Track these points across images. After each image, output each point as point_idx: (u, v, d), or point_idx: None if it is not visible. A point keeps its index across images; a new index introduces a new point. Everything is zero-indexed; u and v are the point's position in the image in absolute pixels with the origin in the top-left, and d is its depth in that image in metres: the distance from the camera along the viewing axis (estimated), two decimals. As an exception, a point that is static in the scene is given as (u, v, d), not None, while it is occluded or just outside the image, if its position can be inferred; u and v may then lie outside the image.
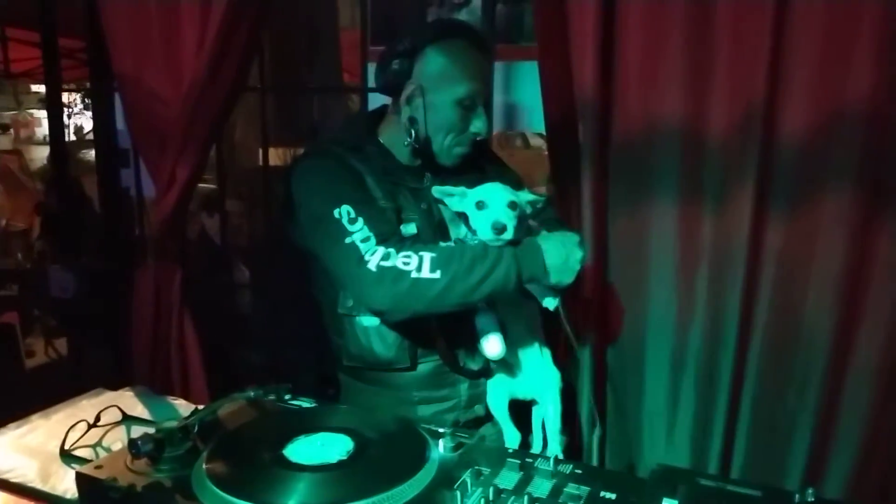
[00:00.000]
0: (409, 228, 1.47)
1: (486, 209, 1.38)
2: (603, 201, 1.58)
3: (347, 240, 1.35)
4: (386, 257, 1.33)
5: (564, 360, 1.62)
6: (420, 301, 1.33)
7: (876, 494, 1.41)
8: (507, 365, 1.54)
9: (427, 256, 1.32)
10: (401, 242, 1.37)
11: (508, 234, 1.35)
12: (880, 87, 1.30)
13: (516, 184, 1.53)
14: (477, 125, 1.50)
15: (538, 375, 1.53)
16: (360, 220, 1.36)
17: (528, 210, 1.45)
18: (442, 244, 1.43)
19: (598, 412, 1.64)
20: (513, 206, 1.38)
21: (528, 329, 1.53)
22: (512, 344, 1.49)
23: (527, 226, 1.47)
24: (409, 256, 1.32)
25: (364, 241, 1.35)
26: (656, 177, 1.53)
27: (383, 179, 1.50)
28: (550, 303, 1.41)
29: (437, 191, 1.44)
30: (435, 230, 1.51)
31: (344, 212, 1.37)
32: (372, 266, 1.32)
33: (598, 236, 1.59)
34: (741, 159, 1.43)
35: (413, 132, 1.49)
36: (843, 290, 1.38)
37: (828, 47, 1.32)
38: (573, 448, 1.60)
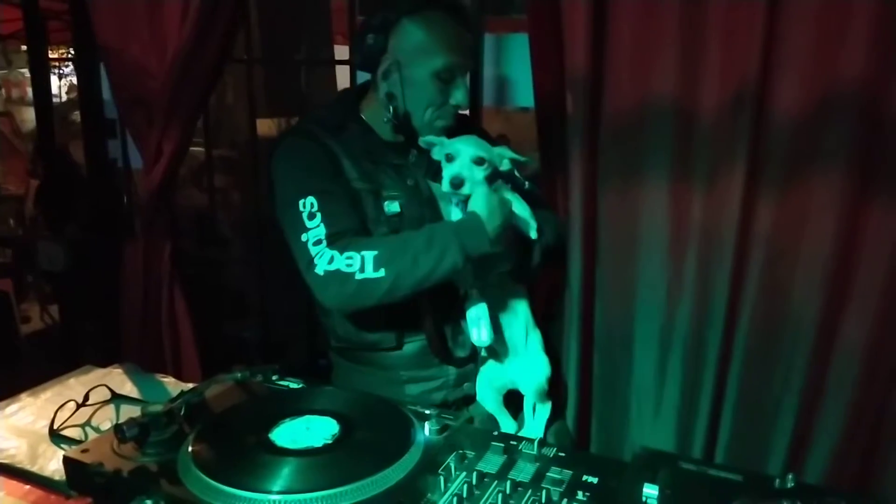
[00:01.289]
0: (392, 207, 1.48)
1: (453, 162, 1.42)
2: (592, 179, 1.57)
3: (303, 237, 1.37)
4: (331, 260, 1.34)
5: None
6: (369, 298, 1.35)
7: (855, 477, 1.43)
8: (495, 353, 1.55)
9: (369, 256, 1.33)
10: (352, 239, 1.37)
11: (466, 190, 1.39)
12: (873, 68, 1.28)
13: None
14: (457, 96, 1.49)
15: (524, 364, 1.54)
16: (319, 216, 1.37)
17: (507, 167, 1.47)
18: (388, 237, 1.42)
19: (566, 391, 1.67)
20: (479, 161, 1.41)
21: (513, 313, 1.53)
22: (499, 330, 1.50)
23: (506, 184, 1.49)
24: (351, 258, 1.33)
25: (316, 243, 1.36)
26: (646, 155, 1.52)
27: (364, 159, 1.49)
28: (531, 230, 1.49)
29: (422, 141, 1.47)
30: (423, 207, 1.50)
31: (308, 203, 1.39)
32: (319, 270, 1.35)
33: (587, 214, 1.58)
34: (732, 139, 1.41)
35: (392, 108, 1.48)
36: (832, 272, 1.37)
37: (821, 27, 1.30)
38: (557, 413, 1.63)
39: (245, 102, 2.79)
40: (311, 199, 1.39)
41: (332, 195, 1.41)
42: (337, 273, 1.34)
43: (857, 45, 1.28)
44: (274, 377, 1.32)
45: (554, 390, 1.60)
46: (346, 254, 1.34)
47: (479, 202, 1.37)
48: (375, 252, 1.33)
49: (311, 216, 1.38)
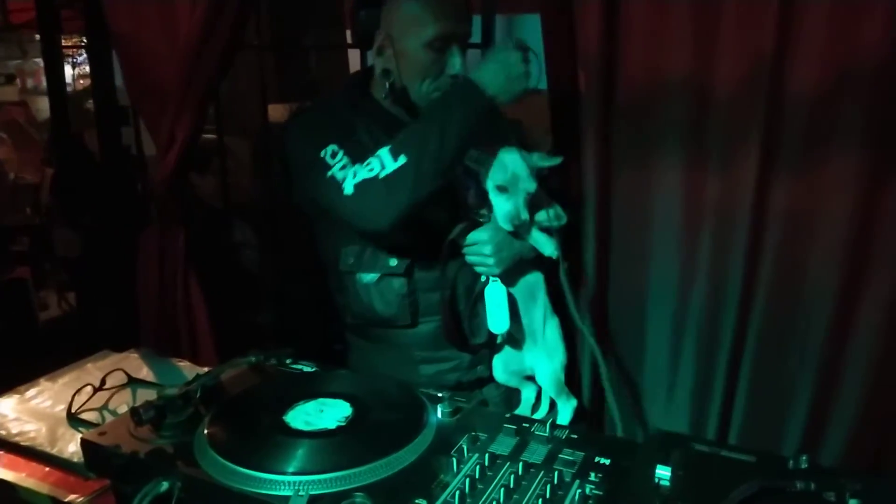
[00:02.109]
0: None
1: (508, 195, 1.39)
2: (606, 159, 1.56)
3: (328, 174, 1.37)
4: (355, 175, 1.34)
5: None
6: (402, 191, 1.32)
7: (870, 459, 1.42)
8: (512, 339, 1.55)
9: (384, 152, 1.33)
10: (364, 152, 1.37)
11: (524, 220, 1.40)
12: (889, 46, 1.26)
13: (518, 137, 1.52)
14: (454, 65, 1.45)
15: (541, 352, 1.53)
16: (341, 152, 1.38)
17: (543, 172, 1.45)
18: (404, 129, 1.39)
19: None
20: (531, 195, 1.40)
21: (532, 299, 1.52)
22: (517, 317, 1.50)
23: None
24: (370, 163, 1.33)
25: (342, 168, 1.36)
26: (660, 135, 1.51)
27: (375, 134, 1.48)
28: (548, 248, 1.43)
29: (469, 159, 1.40)
30: None
31: (329, 151, 1.39)
32: (348, 190, 1.34)
33: (601, 196, 1.58)
34: (747, 117, 1.40)
35: (387, 85, 1.47)
36: (848, 253, 1.36)
37: (837, 3, 1.28)
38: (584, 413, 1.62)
39: (255, 88, 2.79)
40: (331, 147, 1.40)
41: (351, 142, 1.42)
42: (363, 183, 1.33)
43: (874, 22, 1.26)
44: (288, 361, 1.33)
45: (572, 384, 1.59)
46: (366, 162, 1.34)
47: (492, 76, 1.35)
48: (388, 146, 1.34)
49: (334, 155, 1.39)
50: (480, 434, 1.07)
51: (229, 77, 2.13)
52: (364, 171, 1.33)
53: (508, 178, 1.38)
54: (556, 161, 1.45)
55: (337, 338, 2.36)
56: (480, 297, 1.48)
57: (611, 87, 1.53)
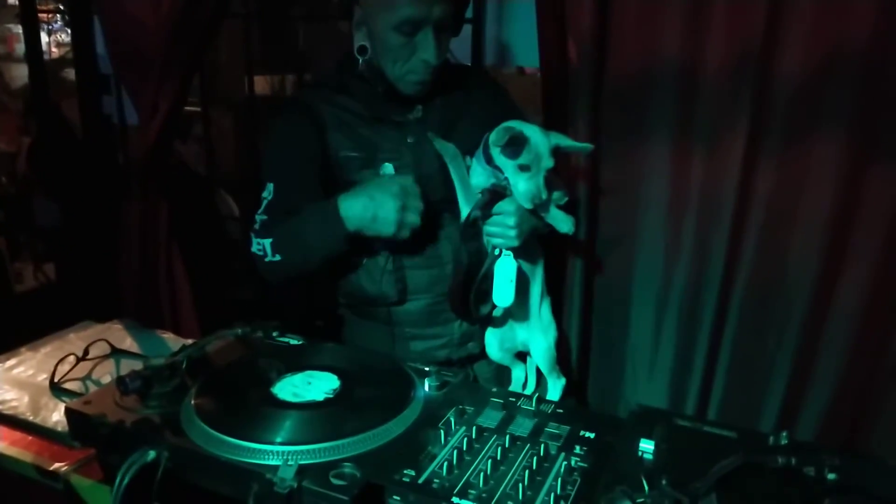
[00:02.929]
0: (387, 169, 1.47)
1: (530, 174, 1.38)
2: (595, 141, 1.56)
3: (255, 217, 1.50)
4: (252, 244, 1.49)
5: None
6: (278, 275, 1.50)
7: (844, 437, 1.46)
8: (508, 314, 1.55)
9: (267, 243, 1.45)
10: (272, 226, 1.46)
11: (544, 200, 1.40)
12: (877, 33, 1.27)
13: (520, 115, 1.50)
14: (423, 53, 1.39)
15: (535, 328, 1.54)
16: (265, 203, 1.48)
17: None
18: (289, 222, 1.44)
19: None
20: (550, 172, 1.39)
21: (533, 276, 1.53)
22: (519, 291, 1.50)
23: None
24: (260, 244, 1.46)
25: (254, 226, 1.49)
26: (648, 116, 1.51)
27: (363, 119, 1.48)
28: (565, 225, 1.44)
29: (494, 138, 1.36)
30: (423, 165, 1.47)
31: (267, 190, 1.49)
32: (251, 248, 1.49)
33: (590, 175, 1.58)
34: (734, 101, 1.41)
35: (362, 61, 1.45)
36: (829, 237, 1.38)
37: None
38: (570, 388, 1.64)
39: (241, 59, 2.75)
40: (270, 186, 1.49)
41: (290, 181, 1.49)
42: (254, 255, 1.49)
43: (862, 9, 1.27)
44: (275, 333, 1.32)
45: (563, 363, 1.60)
46: (257, 240, 1.47)
47: (358, 213, 1.38)
48: (271, 240, 1.45)
49: (263, 201, 1.49)
50: (468, 407, 1.08)
51: (215, 47, 2.09)
52: (256, 247, 1.47)
53: (532, 157, 1.37)
54: (586, 147, 1.46)
55: (319, 313, 2.36)
56: (490, 270, 1.47)
57: (600, 66, 1.53)
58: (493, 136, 1.36)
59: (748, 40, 1.36)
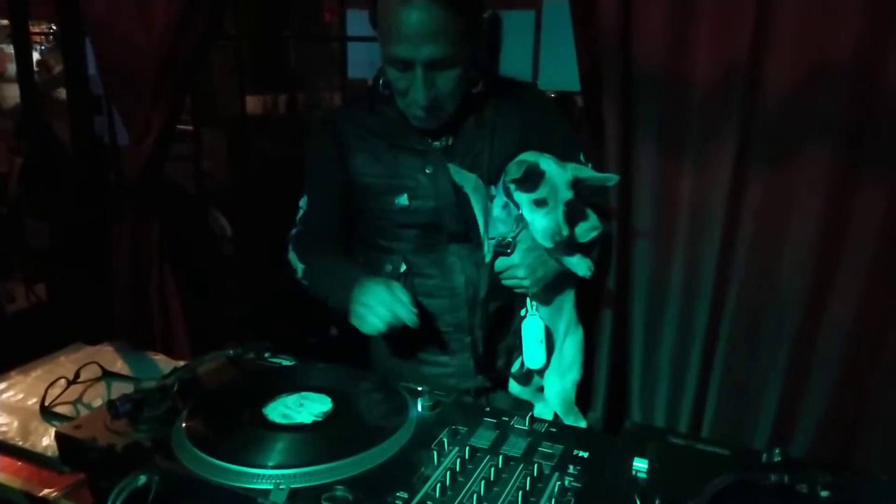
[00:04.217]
0: (401, 200, 1.45)
1: (547, 209, 1.33)
2: (627, 154, 1.55)
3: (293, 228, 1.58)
4: (287, 252, 1.56)
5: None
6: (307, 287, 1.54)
7: (838, 453, 1.46)
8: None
9: (300, 269, 1.52)
10: (307, 244, 1.54)
11: (565, 236, 1.34)
12: (864, 47, 1.28)
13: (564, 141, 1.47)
14: (413, 90, 1.34)
15: (554, 367, 1.48)
16: (301, 213, 1.56)
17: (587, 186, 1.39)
18: (327, 259, 1.50)
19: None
20: (569, 203, 1.34)
21: (558, 310, 1.48)
22: (551, 349, 1.46)
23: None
24: (293, 261, 1.54)
25: (290, 237, 1.56)
26: (637, 130, 1.52)
27: (385, 144, 1.46)
28: (581, 268, 1.38)
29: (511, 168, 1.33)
30: (440, 197, 1.44)
31: (303, 202, 1.56)
32: (287, 255, 1.56)
33: (624, 189, 1.57)
34: (723, 114, 1.42)
35: (382, 86, 1.44)
36: (819, 251, 1.39)
37: (813, 4, 1.30)
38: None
39: (232, 79, 2.76)
40: (304, 200, 1.56)
41: (322, 195, 1.55)
42: (288, 263, 1.55)
43: (848, 23, 1.28)
44: (266, 354, 1.32)
45: (583, 399, 1.55)
46: (293, 254, 1.54)
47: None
48: (304, 267, 1.52)
49: (300, 210, 1.56)
50: (460, 428, 1.08)
51: (207, 67, 2.10)
52: (290, 256, 1.55)
53: (547, 190, 1.32)
54: (609, 179, 1.39)
55: (312, 332, 2.35)
56: (518, 330, 1.44)
57: (629, 83, 1.52)
58: (507, 171, 1.33)
59: (736, 53, 1.37)
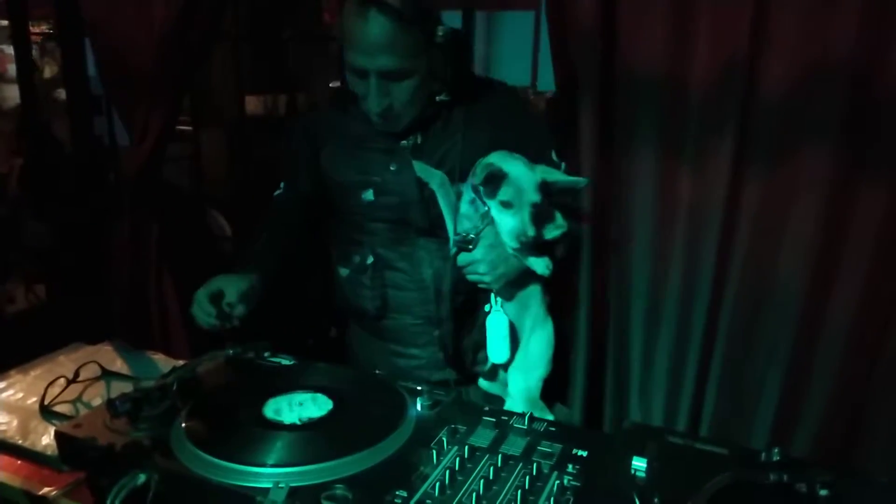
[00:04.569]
0: (367, 196, 1.51)
1: (513, 210, 1.36)
2: (605, 155, 1.55)
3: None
4: None
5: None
6: None
7: (837, 453, 1.45)
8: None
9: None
10: (272, 216, 1.66)
11: (531, 237, 1.36)
12: (863, 45, 1.28)
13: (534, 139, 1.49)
14: (369, 100, 1.42)
15: (516, 363, 1.50)
16: (277, 192, 1.68)
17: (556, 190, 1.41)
18: (268, 238, 1.61)
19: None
20: (535, 206, 1.36)
21: (523, 306, 1.50)
22: (516, 344, 1.49)
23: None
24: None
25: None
26: (635, 130, 1.52)
27: (354, 142, 1.53)
28: (540, 267, 1.41)
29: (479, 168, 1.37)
30: (405, 193, 1.49)
31: (281, 186, 1.68)
32: None
33: (601, 190, 1.57)
34: (721, 114, 1.42)
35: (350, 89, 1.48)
36: (818, 251, 1.38)
37: (811, 1, 1.30)
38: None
39: (232, 79, 2.76)
40: (282, 184, 1.67)
41: (295, 184, 1.66)
42: None
43: (847, 21, 1.28)
44: (265, 354, 1.32)
45: (552, 390, 1.56)
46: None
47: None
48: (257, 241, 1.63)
49: (278, 191, 1.67)
50: (460, 427, 1.08)
51: (206, 68, 2.10)
52: None
53: (513, 192, 1.35)
54: (579, 182, 1.41)
55: (310, 332, 2.36)
56: (483, 325, 1.47)
57: (609, 84, 1.52)
58: (473, 172, 1.37)
59: (734, 52, 1.37)
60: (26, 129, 3.09)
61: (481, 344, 1.50)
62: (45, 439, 1.21)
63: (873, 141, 1.33)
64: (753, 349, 1.48)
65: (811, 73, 1.34)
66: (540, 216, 1.39)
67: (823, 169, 1.36)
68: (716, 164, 1.44)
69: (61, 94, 3.06)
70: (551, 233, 1.43)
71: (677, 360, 1.55)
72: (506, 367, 1.51)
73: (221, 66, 2.83)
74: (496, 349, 1.45)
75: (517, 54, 1.73)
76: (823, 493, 0.88)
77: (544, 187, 1.37)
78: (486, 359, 1.50)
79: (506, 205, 1.36)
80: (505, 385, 1.53)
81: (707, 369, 1.51)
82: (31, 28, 2.94)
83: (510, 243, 1.39)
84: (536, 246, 1.43)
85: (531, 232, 1.36)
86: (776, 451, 0.98)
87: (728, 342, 1.49)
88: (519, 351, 1.50)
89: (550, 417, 1.48)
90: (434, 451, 0.99)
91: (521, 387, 1.49)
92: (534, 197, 1.36)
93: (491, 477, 0.95)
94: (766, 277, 1.46)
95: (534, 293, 1.50)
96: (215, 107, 3.01)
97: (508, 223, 1.37)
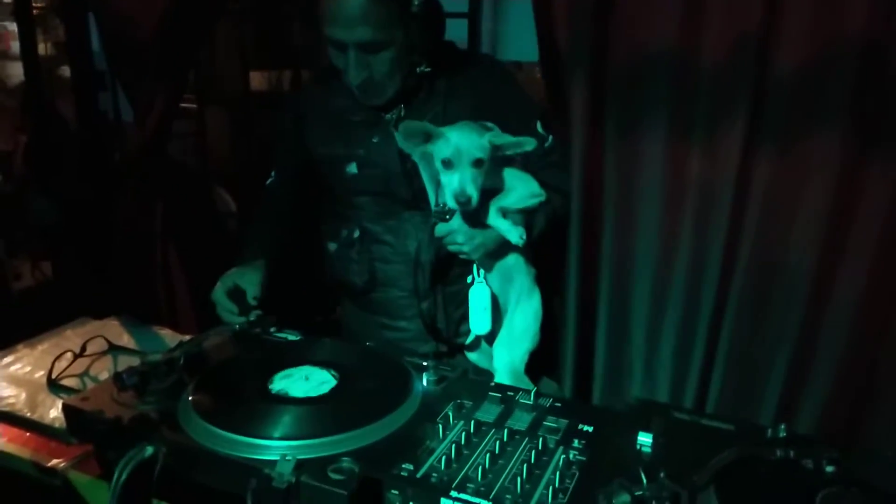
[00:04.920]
0: (351, 169, 1.53)
1: (453, 170, 1.37)
2: (595, 132, 1.54)
3: None
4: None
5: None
6: None
7: (843, 431, 1.46)
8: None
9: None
10: (263, 205, 1.69)
11: (473, 204, 1.37)
12: (877, 23, 1.26)
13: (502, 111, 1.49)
14: (348, 73, 1.43)
15: (501, 336, 1.52)
16: (269, 180, 1.70)
17: (508, 153, 1.42)
18: (263, 223, 1.66)
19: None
20: (478, 163, 1.37)
21: (507, 279, 1.52)
22: (498, 316, 1.51)
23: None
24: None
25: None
26: (646, 110, 1.50)
27: (337, 116, 1.54)
28: (513, 235, 1.42)
29: (402, 128, 1.40)
30: (388, 164, 1.50)
31: (272, 174, 1.69)
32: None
33: (588, 168, 1.56)
34: (733, 94, 1.40)
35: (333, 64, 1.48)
36: (828, 230, 1.37)
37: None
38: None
39: (236, 56, 2.74)
40: (273, 172, 1.69)
41: (285, 170, 1.68)
42: None
43: (860, 3, 1.26)
44: (272, 329, 1.32)
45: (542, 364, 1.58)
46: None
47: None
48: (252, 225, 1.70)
49: (269, 179, 1.69)
50: (466, 402, 1.08)
51: (210, 43, 2.09)
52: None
53: (451, 151, 1.36)
54: (524, 143, 1.40)
55: (317, 309, 2.36)
56: (464, 296, 1.50)
57: (597, 62, 1.52)
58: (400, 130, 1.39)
59: (746, 33, 1.35)
60: (31, 106, 3.08)
61: (464, 316, 1.52)
62: (53, 412, 1.22)
63: (886, 122, 1.32)
64: (761, 326, 1.47)
65: (824, 52, 1.32)
66: (485, 179, 1.40)
67: (834, 150, 1.35)
68: (726, 143, 1.42)
69: (65, 70, 3.04)
70: (527, 201, 1.45)
71: (684, 338, 1.54)
72: (489, 339, 1.54)
73: (226, 42, 2.81)
74: (478, 320, 1.47)
75: (525, 31, 1.71)
76: (830, 469, 0.88)
77: (493, 150, 1.38)
78: (468, 331, 1.53)
79: (446, 164, 1.38)
80: (490, 358, 1.55)
81: (714, 346, 1.51)
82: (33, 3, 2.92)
83: (451, 204, 1.39)
84: (518, 216, 1.45)
85: (470, 191, 1.36)
86: (782, 427, 0.98)
87: (736, 319, 1.48)
88: (504, 324, 1.52)
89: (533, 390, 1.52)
90: (440, 426, 1.00)
91: (505, 360, 1.50)
92: (476, 153, 1.36)
93: (497, 451, 0.95)
94: (775, 257, 1.45)
95: (517, 266, 1.51)
96: (220, 83, 3.00)
97: (449, 182, 1.38)
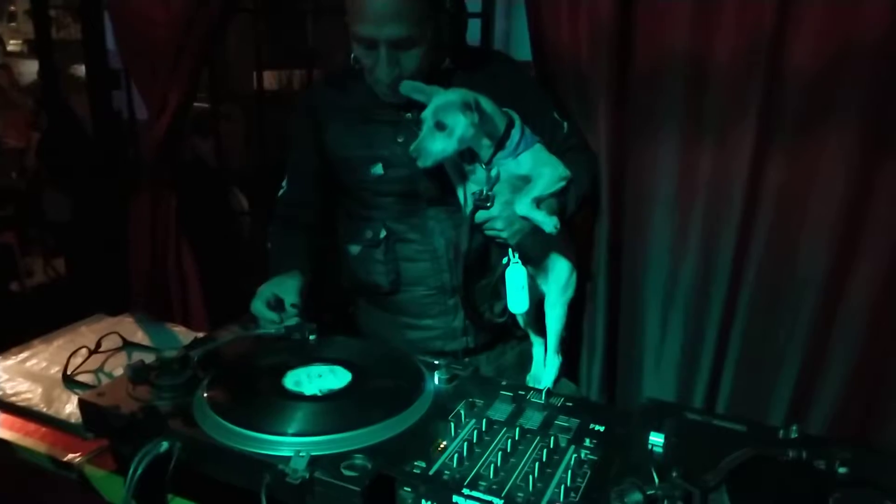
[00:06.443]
0: (376, 170, 1.51)
1: (444, 133, 1.37)
2: (619, 132, 1.54)
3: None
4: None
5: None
6: None
7: (855, 431, 1.45)
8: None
9: (269, 244, 1.64)
10: (278, 219, 1.65)
11: (421, 163, 1.38)
12: (889, 23, 1.26)
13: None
14: (378, 70, 1.41)
15: (550, 283, 1.55)
16: (279, 194, 1.66)
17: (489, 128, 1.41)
18: (280, 237, 1.61)
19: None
20: (440, 126, 1.37)
21: (543, 251, 1.54)
22: (534, 295, 1.52)
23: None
24: (269, 234, 1.65)
25: (272, 216, 1.67)
26: (657, 110, 1.50)
27: (359, 117, 1.52)
28: (548, 226, 1.41)
29: (404, 87, 1.40)
30: (413, 164, 1.45)
31: (284, 184, 1.65)
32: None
33: (613, 168, 1.56)
34: (745, 93, 1.40)
35: (353, 62, 1.47)
36: (840, 232, 1.37)
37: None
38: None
39: (250, 54, 2.75)
40: (286, 180, 1.65)
41: (301, 178, 1.64)
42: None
43: (874, 1, 1.25)
44: (311, 336, 1.28)
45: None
46: (270, 229, 1.65)
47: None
48: (270, 243, 1.63)
49: (280, 190, 1.65)
50: (477, 400, 1.09)
51: (223, 42, 2.10)
52: (269, 233, 1.65)
53: (451, 118, 1.37)
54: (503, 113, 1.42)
55: (329, 307, 2.37)
56: (502, 278, 1.49)
57: (612, 64, 1.52)
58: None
59: (759, 31, 1.35)
60: (46, 104, 3.11)
61: (500, 296, 1.52)
62: (69, 407, 1.23)
63: (895, 122, 1.31)
64: (772, 327, 1.47)
65: (837, 51, 1.32)
66: (518, 179, 1.41)
67: (845, 151, 1.35)
68: (739, 141, 1.42)
69: (80, 69, 3.06)
70: (555, 185, 1.45)
71: (695, 337, 1.55)
72: (525, 318, 1.58)
73: (239, 40, 2.82)
74: (515, 299, 1.48)
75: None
76: (842, 470, 0.87)
77: (477, 109, 1.38)
78: (503, 311, 1.54)
79: (440, 126, 1.37)
80: (534, 320, 1.59)
81: (725, 346, 1.51)
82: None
83: (423, 163, 1.39)
84: (552, 201, 1.45)
85: (424, 146, 1.37)
86: (794, 428, 0.98)
87: (748, 319, 1.49)
88: (551, 278, 1.54)
89: (560, 360, 1.57)
90: (452, 424, 1.00)
91: (559, 282, 1.53)
92: (466, 131, 1.37)
93: (509, 449, 0.95)
94: (787, 256, 1.45)
95: (553, 240, 1.50)
96: (233, 82, 3.01)
97: (436, 146, 1.38)
